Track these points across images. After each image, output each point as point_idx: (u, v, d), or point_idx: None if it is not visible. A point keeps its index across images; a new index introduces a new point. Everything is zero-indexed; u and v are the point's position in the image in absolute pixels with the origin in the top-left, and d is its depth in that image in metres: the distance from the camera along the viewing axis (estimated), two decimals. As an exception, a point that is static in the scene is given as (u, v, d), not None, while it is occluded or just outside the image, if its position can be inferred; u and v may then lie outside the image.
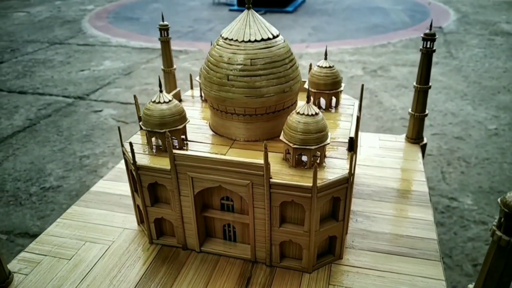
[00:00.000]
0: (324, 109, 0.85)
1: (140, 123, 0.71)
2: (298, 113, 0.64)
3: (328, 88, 0.83)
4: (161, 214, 0.72)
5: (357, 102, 0.83)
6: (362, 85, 0.84)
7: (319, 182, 0.61)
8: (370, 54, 2.96)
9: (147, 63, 2.98)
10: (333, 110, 0.85)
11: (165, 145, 0.70)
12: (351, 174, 0.63)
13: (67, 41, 3.49)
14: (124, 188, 0.89)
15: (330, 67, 0.84)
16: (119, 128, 0.72)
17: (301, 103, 0.81)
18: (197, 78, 0.93)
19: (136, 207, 0.77)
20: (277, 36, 0.72)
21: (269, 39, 0.70)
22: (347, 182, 0.63)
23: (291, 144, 0.64)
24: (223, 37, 0.71)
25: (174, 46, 3.38)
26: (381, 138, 1.07)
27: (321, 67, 0.84)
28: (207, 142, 0.74)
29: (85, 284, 0.67)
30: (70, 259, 0.72)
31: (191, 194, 0.67)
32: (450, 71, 2.59)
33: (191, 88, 0.97)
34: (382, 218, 0.79)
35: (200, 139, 0.75)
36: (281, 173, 0.64)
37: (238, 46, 0.69)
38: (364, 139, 1.06)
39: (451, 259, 1.03)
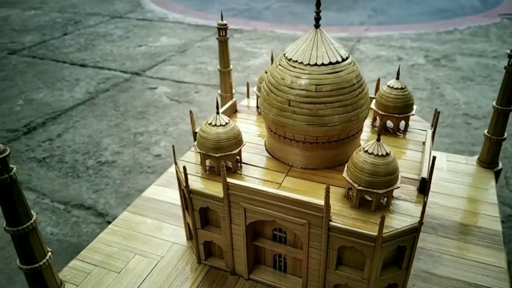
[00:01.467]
0: (391, 132, 0.78)
1: (195, 143, 0.68)
2: (366, 151, 0.58)
3: (397, 112, 0.76)
4: (210, 238, 0.69)
5: (430, 130, 0.75)
6: (437, 112, 0.75)
7: (385, 232, 0.55)
8: (434, 41, 2.76)
9: (202, 41, 2.96)
10: (401, 135, 0.77)
11: (219, 169, 0.66)
12: (422, 223, 0.57)
13: (126, 15, 3.54)
14: (174, 196, 0.87)
15: (402, 88, 0.76)
16: (173, 146, 0.69)
17: (366, 133, 0.75)
18: (254, 88, 0.88)
19: (186, 224, 0.75)
20: (347, 58, 0.65)
21: (337, 62, 0.63)
22: (416, 231, 0.57)
23: (355, 185, 0.58)
24: (286, 57, 0.65)
25: (229, 24, 3.32)
26: (449, 158, 0.98)
27: (391, 87, 0.76)
28: (262, 166, 0.70)
29: (132, 303, 0.66)
30: (119, 272, 0.72)
31: (242, 224, 0.64)
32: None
33: (247, 96, 0.92)
34: (447, 258, 0.73)
35: (255, 161, 0.71)
36: (343, 215, 0.59)
37: (303, 69, 0.63)
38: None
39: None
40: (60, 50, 2.94)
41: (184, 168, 0.64)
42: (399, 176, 0.59)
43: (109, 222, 0.85)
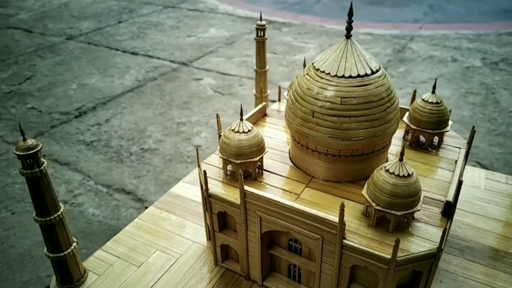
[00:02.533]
0: (422, 148, 0.75)
1: (218, 148, 0.69)
2: (387, 170, 0.56)
3: (431, 127, 0.72)
4: (227, 242, 0.70)
5: (464, 148, 0.71)
6: (473, 131, 0.71)
7: (400, 255, 0.53)
8: (494, 43, 2.60)
9: (249, 34, 2.96)
10: (433, 152, 0.74)
11: (237, 174, 0.67)
12: (441, 249, 0.55)
13: (179, 5, 3.60)
14: (200, 194, 0.89)
15: (437, 103, 0.72)
16: (197, 150, 0.70)
17: (396, 146, 0.72)
18: (285, 93, 0.87)
19: (206, 225, 0.76)
20: (377, 71, 0.62)
21: (366, 75, 0.61)
22: (433, 257, 0.55)
23: (373, 204, 0.56)
24: (314, 67, 0.64)
25: (278, 17, 3.30)
26: (488, 176, 0.92)
27: (426, 101, 0.73)
28: (283, 174, 0.69)
29: (148, 297, 0.69)
30: (139, 266, 0.74)
31: (258, 232, 0.64)
32: None
33: (279, 100, 0.92)
34: (472, 284, 0.69)
35: (277, 169, 0.71)
36: (358, 233, 0.57)
37: (330, 80, 0.61)
38: (467, 174, 0.93)
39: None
40: (114, 38, 3.05)
41: (205, 172, 0.64)
42: (421, 198, 0.57)
43: (147, 208, 0.88)
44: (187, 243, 0.79)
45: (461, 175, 0.65)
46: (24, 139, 0.57)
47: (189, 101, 2.15)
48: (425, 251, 0.54)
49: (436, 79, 0.82)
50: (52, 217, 0.63)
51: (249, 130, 0.66)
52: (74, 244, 0.68)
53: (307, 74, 0.65)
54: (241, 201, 0.62)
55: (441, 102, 0.73)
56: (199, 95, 2.19)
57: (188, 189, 0.92)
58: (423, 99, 0.73)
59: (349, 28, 0.62)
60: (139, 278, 0.72)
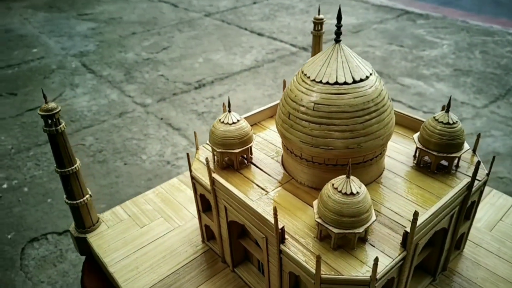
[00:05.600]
0: (429, 170, 0.68)
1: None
2: (333, 185, 0.54)
3: (439, 149, 0.65)
4: (208, 223, 0.75)
5: (466, 180, 0.62)
6: (477, 163, 0.61)
7: (324, 272, 0.52)
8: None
9: (379, 23, 2.84)
10: (437, 176, 0.67)
11: (221, 163, 0.70)
12: (376, 279, 0.51)
13: (314, -12, 3.61)
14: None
15: (449, 123, 0.64)
16: (195, 133, 0.75)
17: (404, 165, 0.67)
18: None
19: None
20: (361, 80, 0.59)
21: (345, 83, 0.58)
22: (368, 285, 0.52)
23: (316, 216, 0.55)
24: (302, 71, 0.63)
25: (416, 8, 3.08)
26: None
27: (437, 120, 0.65)
28: (266, 171, 0.70)
29: (137, 254, 0.78)
30: (141, 227, 0.84)
31: (224, 220, 0.67)
32: None
33: None
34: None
35: (264, 164, 0.72)
36: (300, 242, 0.56)
37: (309, 85, 0.60)
38: (501, 203, 0.80)
39: None
40: (245, 18, 3.22)
41: (188, 155, 0.69)
42: (370, 220, 0.53)
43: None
44: (189, 218, 0.85)
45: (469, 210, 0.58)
46: (46, 102, 0.70)
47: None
48: (355, 276, 0.51)
49: (450, 97, 0.72)
50: (66, 169, 0.75)
51: (233, 122, 0.68)
52: (87, 196, 0.80)
53: (298, 74, 0.64)
54: (211, 187, 0.66)
55: (455, 123, 0.65)
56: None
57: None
58: (435, 118, 0.66)
59: (338, 33, 0.60)
60: (137, 237, 0.82)
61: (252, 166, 0.72)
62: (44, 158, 1.70)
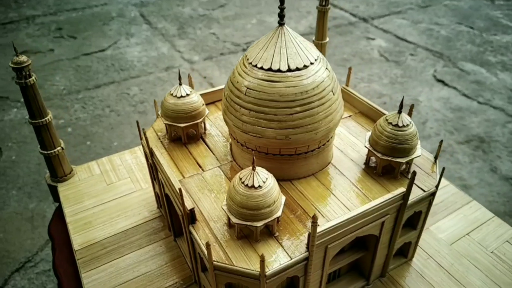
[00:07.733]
0: (374, 171, 0.64)
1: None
2: (240, 179, 0.52)
3: (384, 152, 0.61)
4: (157, 190, 0.76)
5: (401, 190, 0.58)
6: (443, 168, 0.56)
7: (217, 260, 0.52)
8: None
9: (452, 0, 2.61)
10: (381, 179, 0.62)
11: (170, 135, 0.71)
12: (265, 275, 0.50)
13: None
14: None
15: (400, 126, 0.59)
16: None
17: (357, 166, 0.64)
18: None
19: (164, 171, 0.84)
20: (297, 69, 0.56)
21: (279, 71, 0.55)
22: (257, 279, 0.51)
23: (224, 208, 0.54)
24: (246, 52, 0.61)
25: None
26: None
27: (387, 121, 0.61)
28: (212, 149, 0.70)
29: (96, 209, 0.82)
30: (108, 184, 0.88)
31: (162, 191, 0.68)
32: None
33: (347, 84, 0.86)
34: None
35: (212, 142, 0.72)
36: (212, 227, 0.56)
37: (246, 68, 0.58)
38: (475, 216, 0.74)
39: None
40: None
41: (137, 122, 0.71)
42: (272, 214, 0.52)
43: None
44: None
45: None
46: (17, 56, 0.73)
47: (349, 59, 2.09)
48: (246, 269, 0.51)
49: (403, 97, 0.65)
50: (37, 121, 0.79)
51: (181, 96, 0.68)
52: (59, 148, 0.84)
53: (244, 56, 0.62)
54: (150, 158, 0.67)
55: (406, 125, 0.60)
56: (362, 56, 2.11)
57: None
58: (386, 119, 0.61)
59: (281, 15, 0.56)
60: (101, 193, 0.86)
61: (202, 142, 0.72)
62: (90, 102, 1.80)
